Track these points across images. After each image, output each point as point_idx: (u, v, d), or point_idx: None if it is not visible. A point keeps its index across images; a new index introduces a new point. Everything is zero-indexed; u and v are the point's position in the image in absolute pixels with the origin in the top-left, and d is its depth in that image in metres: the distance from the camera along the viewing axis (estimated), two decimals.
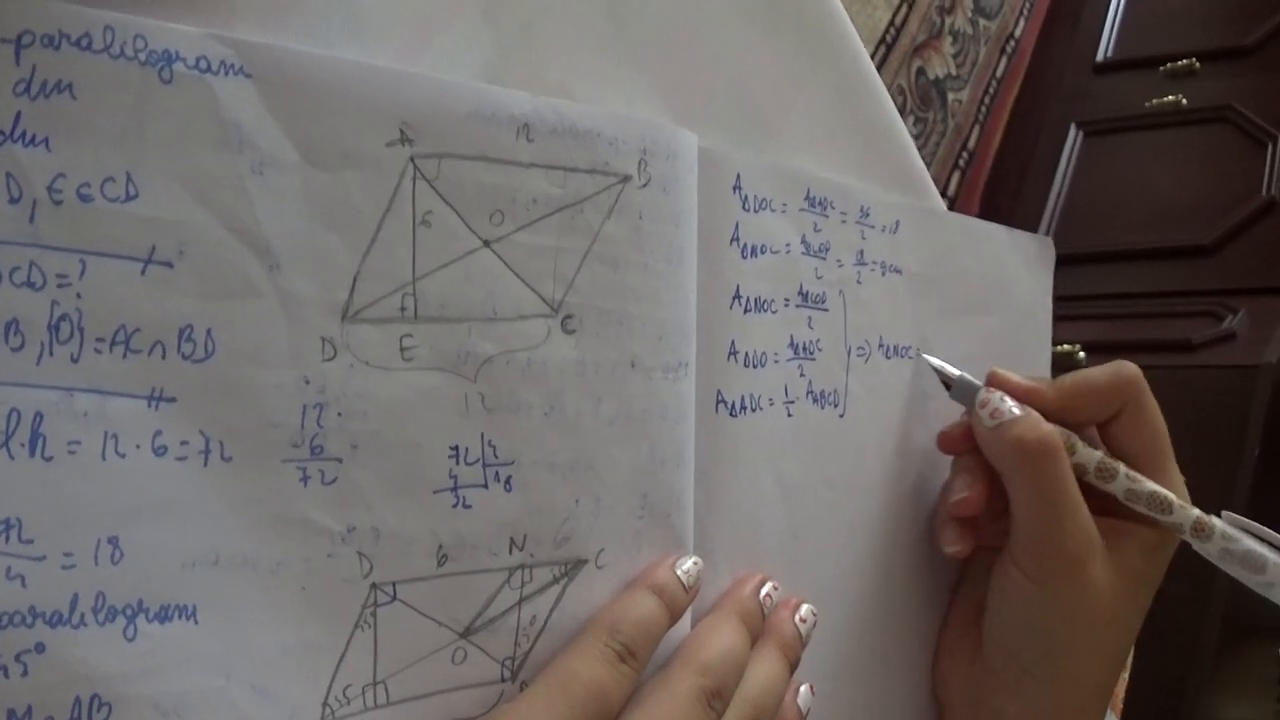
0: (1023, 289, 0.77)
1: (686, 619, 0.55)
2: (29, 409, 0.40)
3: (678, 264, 0.56)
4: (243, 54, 0.45)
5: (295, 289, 0.45)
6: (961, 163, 2.97)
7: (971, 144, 3.00)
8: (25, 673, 0.39)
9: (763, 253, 0.60)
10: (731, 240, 0.59)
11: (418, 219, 0.48)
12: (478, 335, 0.50)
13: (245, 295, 0.44)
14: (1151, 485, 0.62)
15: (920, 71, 2.93)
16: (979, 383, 0.64)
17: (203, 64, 0.44)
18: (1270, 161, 2.42)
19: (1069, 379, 0.64)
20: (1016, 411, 0.61)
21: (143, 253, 0.42)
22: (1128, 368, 0.63)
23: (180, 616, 0.43)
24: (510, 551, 0.50)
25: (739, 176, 0.60)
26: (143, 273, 0.42)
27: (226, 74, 0.44)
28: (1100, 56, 3.06)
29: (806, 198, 0.63)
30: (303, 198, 0.46)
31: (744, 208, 0.60)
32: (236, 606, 0.44)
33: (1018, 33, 3.32)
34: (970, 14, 3.11)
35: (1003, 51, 3.24)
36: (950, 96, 3.01)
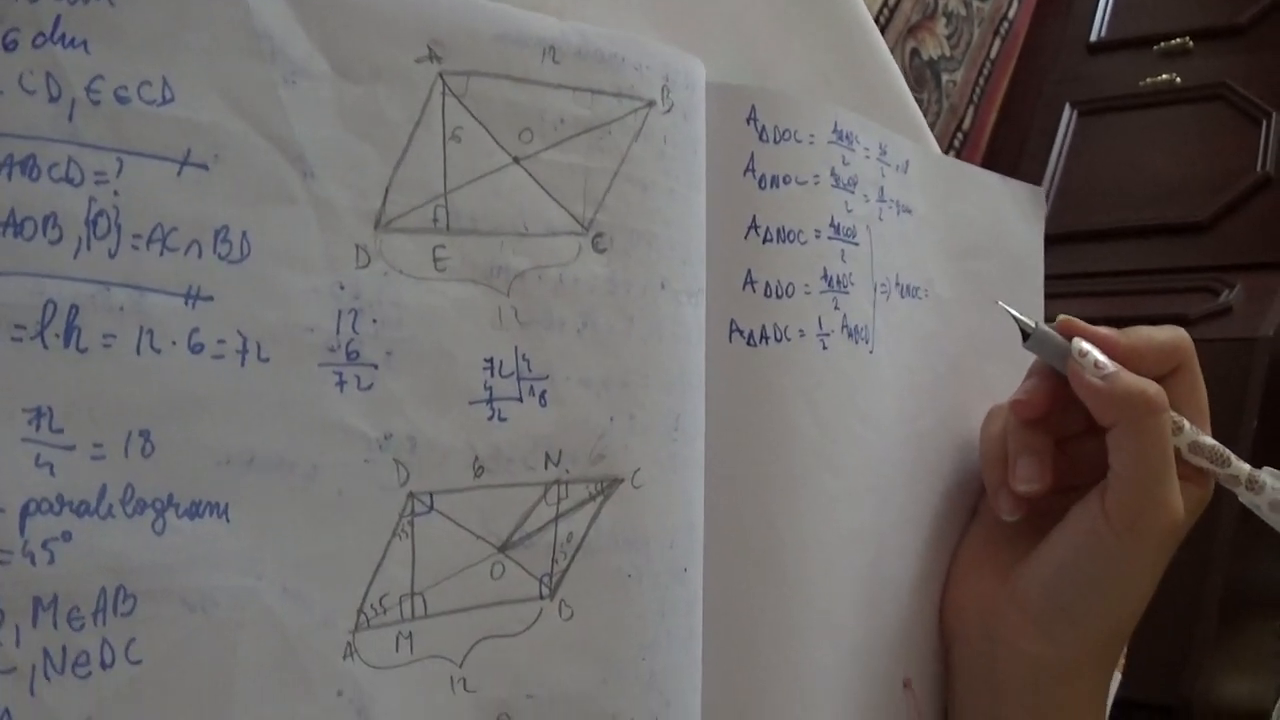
0: (1016, 236, 0.77)
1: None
2: (65, 301, 0.40)
3: (698, 190, 0.56)
4: None
5: (329, 196, 0.46)
6: (957, 144, 2.98)
7: (966, 125, 3.01)
8: (52, 560, 0.39)
9: (785, 183, 0.60)
10: (746, 171, 0.59)
11: (448, 134, 0.48)
12: (509, 249, 0.50)
13: (280, 200, 0.45)
14: (1211, 440, 0.62)
15: (914, 53, 2.94)
16: (1058, 335, 0.63)
17: None
18: (1265, 138, 2.44)
19: (1133, 332, 0.63)
20: (1112, 366, 0.60)
21: (179, 154, 0.43)
22: (1182, 332, 0.63)
23: (211, 514, 0.42)
24: (546, 467, 0.50)
25: (754, 108, 0.60)
26: (179, 174, 0.43)
27: None
28: (1094, 36, 3.07)
29: (834, 130, 0.63)
30: (335, 108, 0.46)
31: (760, 139, 0.60)
32: (270, 508, 0.44)
33: (1011, 14, 3.33)
34: None
35: (996, 32, 3.25)
36: (945, 78, 3.02)
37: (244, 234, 0.44)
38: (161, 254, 0.42)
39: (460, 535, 0.48)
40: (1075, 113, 2.82)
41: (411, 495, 0.47)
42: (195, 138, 0.43)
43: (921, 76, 2.91)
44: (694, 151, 0.56)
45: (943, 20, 3.01)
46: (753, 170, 0.60)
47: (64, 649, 0.40)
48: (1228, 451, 0.62)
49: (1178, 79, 2.72)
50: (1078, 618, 0.62)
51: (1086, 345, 0.61)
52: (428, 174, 0.48)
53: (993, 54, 3.20)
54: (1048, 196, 2.53)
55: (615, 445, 0.52)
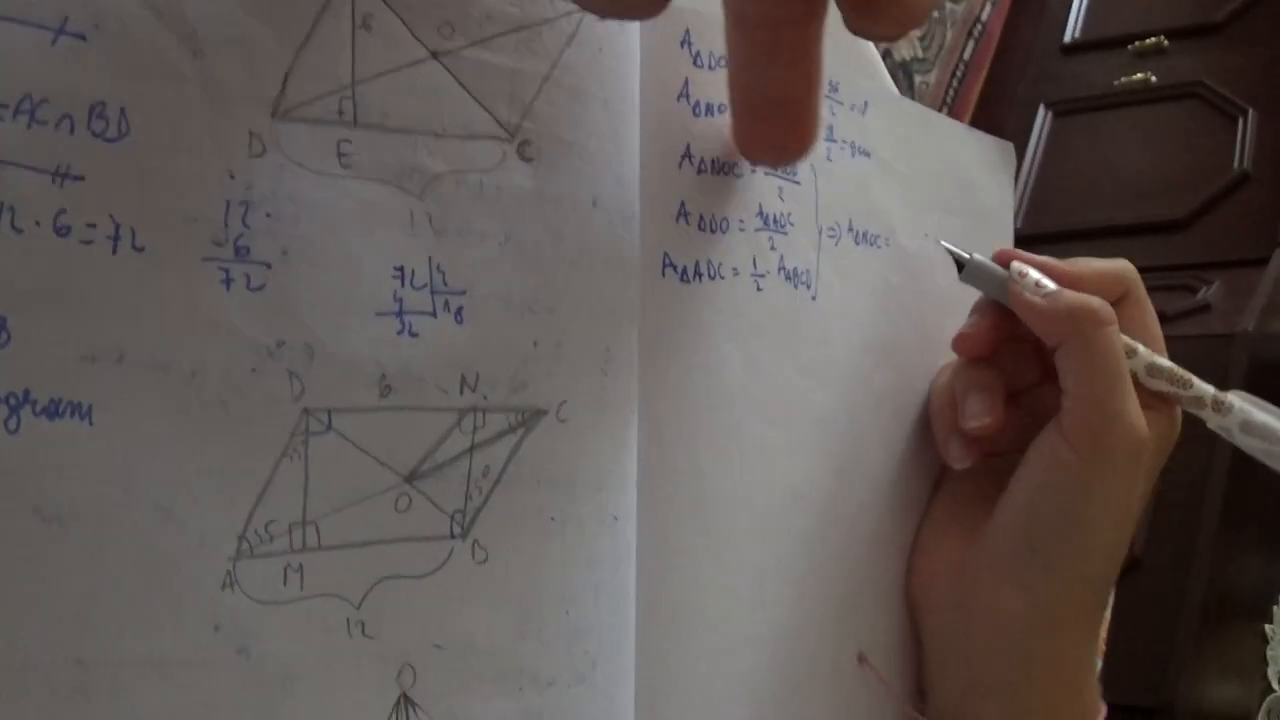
0: (985, 193, 0.74)
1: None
2: None
3: (631, 108, 0.52)
4: None
5: (220, 77, 0.41)
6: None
7: None
8: None
9: (720, 112, 0.56)
10: (680, 96, 0.56)
11: (358, 21, 0.44)
12: (424, 150, 0.45)
13: (165, 78, 0.40)
14: (1170, 363, 0.60)
15: (887, 54, 2.92)
16: (996, 265, 0.62)
17: None
18: (1241, 135, 2.44)
19: (1075, 261, 0.62)
20: (1054, 286, 0.59)
21: (54, 22, 0.38)
22: (1125, 261, 0.63)
23: (73, 414, 0.38)
24: (461, 391, 0.46)
25: (688, 31, 0.56)
26: (53, 43, 0.38)
27: None
28: (1068, 37, 3.08)
29: None
30: None
31: (695, 64, 0.56)
32: (141, 413, 0.39)
33: (984, 16, 3.32)
34: None
35: (970, 34, 3.23)
36: (918, 79, 3.00)
37: (122, 111, 0.39)
38: (29, 127, 0.38)
39: (362, 461, 0.44)
40: (1050, 114, 2.83)
41: (306, 412, 0.42)
42: (73, 5, 0.39)
43: (894, 78, 2.90)
44: (630, 65, 0.52)
45: None
46: (687, 96, 0.56)
47: None
48: (1189, 374, 0.60)
49: (1153, 78, 2.73)
50: (1051, 560, 0.59)
51: (1025, 266, 0.60)
52: (333, 62, 0.44)
53: (966, 55, 3.18)
54: (1023, 198, 2.54)
55: (538, 373, 0.48)
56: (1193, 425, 0.62)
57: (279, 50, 0.43)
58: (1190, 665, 1.45)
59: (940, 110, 2.94)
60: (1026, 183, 2.64)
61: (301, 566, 0.42)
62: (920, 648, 0.66)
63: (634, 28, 0.53)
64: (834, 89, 0.63)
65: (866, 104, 0.65)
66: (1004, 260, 0.62)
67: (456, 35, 0.46)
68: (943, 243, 0.64)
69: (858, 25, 0.41)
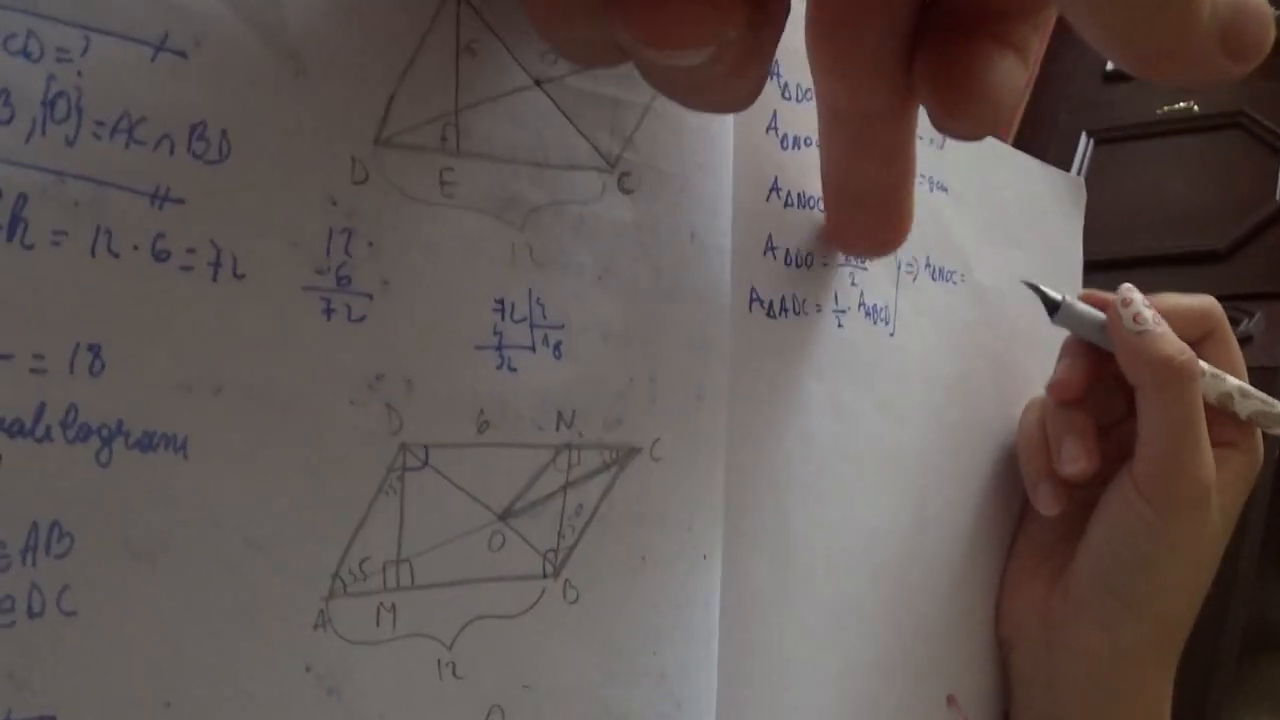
0: (1054, 227, 0.72)
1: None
2: (11, 188, 0.34)
3: (727, 139, 0.50)
4: None
5: (323, 100, 0.39)
6: None
7: None
8: None
9: (807, 145, 0.54)
10: (768, 128, 0.53)
11: (461, 45, 0.42)
12: (526, 180, 0.43)
13: (267, 99, 0.38)
14: (1261, 394, 0.59)
15: None
16: (1088, 306, 0.60)
17: None
18: None
19: (1162, 297, 0.61)
20: (1158, 321, 0.58)
21: (154, 38, 0.36)
22: (1212, 299, 0.62)
23: (167, 447, 0.36)
24: (557, 428, 0.43)
25: (777, 63, 0.54)
26: (153, 59, 0.36)
27: None
28: (1110, 65, 2.94)
29: None
30: (333, 4, 0.40)
31: (783, 96, 0.54)
32: (236, 446, 0.37)
33: None
34: None
35: None
36: None
37: (223, 132, 0.37)
38: (128, 146, 0.35)
39: (457, 498, 0.41)
40: (1092, 142, 2.75)
41: (404, 447, 0.40)
42: (174, 20, 0.36)
43: None
44: None
45: None
46: (775, 128, 0.54)
47: None
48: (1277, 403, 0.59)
49: (1195, 106, 2.64)
50: (1130, 601, 0.59)
51: (1134, 294, 0.58)
52: (437, 89, 0.41)
53: None
54: None
55: (633, 410, 0.45)
56: None
57: (383, 74, 0.40)
58: (1230, 695, 1.42)
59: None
60: None
61: (395, 606, 0.40)
62: (1006, 684, 0.65)
63: None
64: None
65: (944, 138, 0.63)
66: (1092, 303, 0.60)
67: (560, 63, 0.44)
68: (1034, 284, 0.61)
69: (945, 124, 0.39)
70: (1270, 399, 0.59)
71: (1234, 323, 1.94)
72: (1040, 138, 2.92)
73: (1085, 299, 0.60)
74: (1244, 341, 1.91)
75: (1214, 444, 0.58)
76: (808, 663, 0.53)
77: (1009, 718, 0.65)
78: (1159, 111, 2.69)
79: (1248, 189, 2.35)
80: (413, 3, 0.41)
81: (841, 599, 0.54)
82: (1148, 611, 0.59)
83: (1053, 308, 0.60)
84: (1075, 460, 0.59)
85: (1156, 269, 2.29)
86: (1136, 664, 0.60)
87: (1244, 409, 0.59)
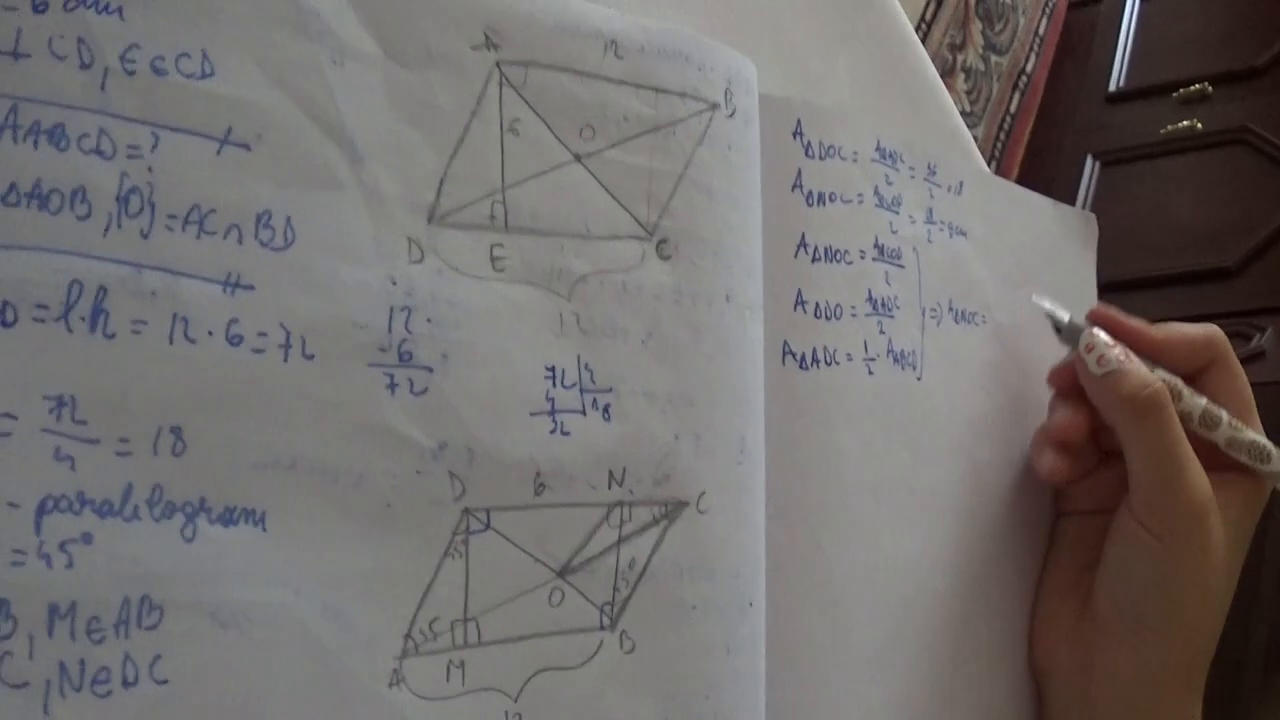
0: (1070, 263, 0.72)
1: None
2: (92, 282, 0.35)
3: (756, 200, 0.51)
4: None
5: (379, 185, 0.40)
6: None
7: None
8: (70, 564, 0.34)
9: (831, 201, 0.55)
10: (794, 186, 0.54)
11: (505, 126, 0.43)
12: (571, 251, 0.44)
13: (327, 186, 0.39)
14: (1253, 434, 0.59)
15: None
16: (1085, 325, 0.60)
17: None
18: None
19: (1165, 326, 0.61)
20: (1122, 359, 0.57)
21: (219, 132, 0.38)
22: (1216, 327, 0.61)
23: (246, 521, 0.37)
24: (609, 486, 0.44)
25: (799, 122, 0.55)
26: (218, 152, 0.37)
27: None
28: (1113, 86, 2.98)
29: (877, 149, 0.58)
30: (385, 93, 0.41)
31: (807, 154, 0.55)
32: (311, 518, 0.38)
33: (1029, 67, 3.23)
34: (981, 50, 3.00)
35: (1015, 86, 3.15)
36: (960, 115, 2.94)
37: (288, 220, 0.38)
38: (198, 237, 0.37)
39: (518, 557, 0.42)
40: (1098, 164, 2.74)
41: (467, 511, 0.41)
42: (237, 115, 0.38)
43: None
44: (753, 159, 0.51)
45: (962, 76, 2.92)
46: (800, 185, 0.55)
47: (82, 663, 0.34)
48: (1269, 446, 0.58)
49: (1199, 125, 2.64)
50: (1149, 623, 0.59)
51: (1096, 338, 0.59)
52: (484, 167, 0.43)
53: (1013, 108, 3.10)
54: None
55: (680, 466, 0.46)
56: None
57: (433, 156, 0.42)
58: (1256, 710, 1.41)
59: (989, 164, 2.89)
60: None
61: (463, 662, 0.41)
62: (1042, 711, 0.65)
63: (756, 122, 0.51)
64: (932, 172, 0.62)
65: (962, 184, 0.64)
66: (1097, 321, 0.61)
67: (597, 137, 0.45)
68: (1043, 303, 0.62)
69: None
70: (1260, 449, 0.59)
71: (1246, 338, 1.92)
72: (1046, 163, 2.90)
73: (1093, 316, 0.61)
74: (1256, 357, 1.90)
75: (1219, 465, 0.58)
76: (852, 699, 0.53)
77: None
78: (1163, 131, 2.66)
79: (1254, 204, 2.33)
80: (458, 88, 0.42)
81: (882, 636, 0.55)
82: (1168, 632, 0.59)
83: (1059, 327, 0.61)
84: (1062, 416, 0.61)
85: (1167, 289, 2.27)
86: (1166, 684, 0.60)
87: (1221, 438, 0.59)
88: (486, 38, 0.43)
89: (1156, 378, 0.57)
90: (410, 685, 0.39)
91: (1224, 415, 0.58)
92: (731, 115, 0.49)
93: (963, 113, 2.85)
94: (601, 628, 0.44)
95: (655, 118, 0.47)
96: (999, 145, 2.99)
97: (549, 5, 0.45)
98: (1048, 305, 0.61)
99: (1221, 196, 2.45)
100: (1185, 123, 2.66)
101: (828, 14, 0.64)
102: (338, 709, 0.38)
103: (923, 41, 2.79)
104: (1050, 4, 3.33)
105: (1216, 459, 0.59)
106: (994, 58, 3.08)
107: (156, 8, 0.37)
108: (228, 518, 0.36)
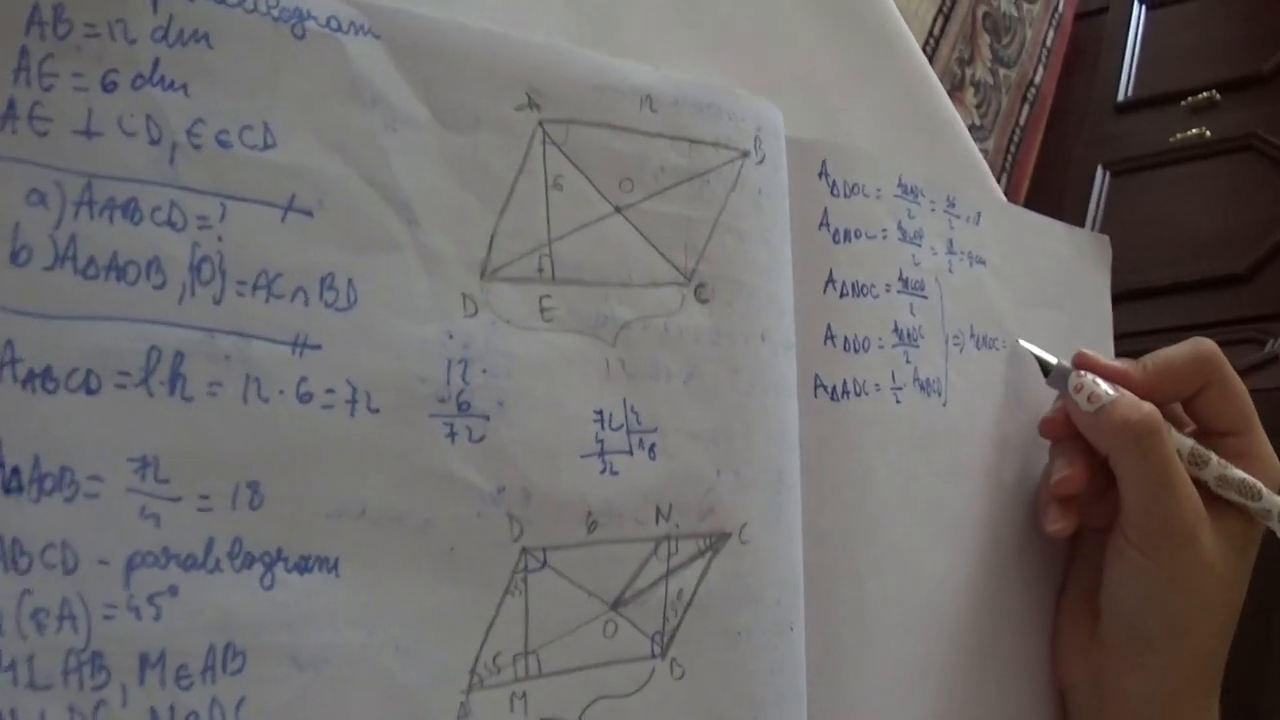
0: (1083, 286, 0.74)
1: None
2: (169, 348, 0.37)
3: (786, 242, 0.53)
4: (371, 16, 0.43)
5: (434, 244, 0.42)
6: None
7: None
8: (158, 616, 0.36)
9: (857, 237, 0.57)
10: (820, 225, 0.56)
11: (550, 182, 0.45)
12: (615, 300, 0.46)
13: (385, 248, 0.41)
14: (1240, 474, 0.59)
15: None
16: (1070, 367, 0.62)
17: (333, 23, 0.42)
18: None
19: (1151, 359, 0.61)
20: (1112, 393, 0.59)
21: (282, 200, 0.39)
22: (1205, 344, 0.61)
23: (321, 568, 0.39)
24: (656, 521, 0.46)
25: (824, 163, 0.57)
26: (283, 220, 0.39)
27: (356, 34, 0.42)
28: (1121, 96, 2.96)
29: (899, 184, 0.60)
30: (437, 156, 0.43)
31: (832, 193, 0.57)
32: (381, 562, 0.40)
33: (1037, 79, 3.20)
34: (990, 64, 2.97)
35: (1024, 99, 3.12)
36: (976, 147, 2.91)
37: (350, 281, 0.40)
38: (267, 301, 0.39)
39: (573, 592, 0.44)
40: (1108, 174, 2.72)
41: (525, 551, 0.43)
42: (298, 183, 0.40)
43: None
44: (782, 201, 0.53)
45: (971, 90, 2.90)
46: (827, 224, 0.57)
47: (172, 709, 0.36)
48: (1258, 484, 0.59)
49: (1207, 132, 2.61)
50: (1150, 641, 0.60)
51: (1080, 378, 0.60)
52: (531, 223, 0.45)
53: (1022, 120, 3.07)
54: None
55: (723, 499, 0.47)
56: None
57: (483, 215, 0.44)
58: (1277, 711, 1.41)
59: (1000, 176, 2.87)
60: None
61: (525, 694, 0.42)
62: None
63: (784, 166, 0.53)
64: (951, 204, 0.63)
65: (979, 214, 0.65)
66: (1081, 366, 0.62)
67: (636, 189, 0.47)
68: (1029, 347, 0.64)
69: None
70: (1249, 486, 0.59)
71: (1259, 344, 1.91)
72: (1057, 174, 2.87)
73: (1079, 361, 0.62)
74: (1269, 363, 1.89)
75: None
76: (888, 714, 0.54)
77: None
78: (1172, 140, 2.64)
79: (1264, 210, 2.29)
80: (505, 148, 0.44)
81: (915, 653, 0.56)
82: (1171, 649, 0.60)
83: (1046, 370, 0.63)
84: (1060, 471, 0.61)
85: (1180, 296, 2.25)
86: (1174, 698, 0.60)
87: (1222, 495, 0.60)
88: (529, 98, 0.45)
89: (1148, 404, 0.58)
90: (477, 717, 0.41)
91: (1213, 456, 0.59)
92: (761, 161, 0.51)
93: (972, 126, 2.84)
94: (653, 656, 0.45)
95: (690, 168, 0.49)
96: (1009, 158, 2.97)
97: (587, 64, 0.47)
98: (1035, 350, 0.64)
99: (1231, 203, 2.43)
100: (1194, 131, 2.64)
101: (849, 55, 0.65)
102: None
103: (931, 56, 2.79)
104: (1057, 15, 3.32)
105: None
106: (1002, 71, 3.06)
107: (219, 83, 0.39)
108: (304, 565, 0.38)
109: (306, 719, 0.38)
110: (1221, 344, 0.61)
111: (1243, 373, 1.70)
